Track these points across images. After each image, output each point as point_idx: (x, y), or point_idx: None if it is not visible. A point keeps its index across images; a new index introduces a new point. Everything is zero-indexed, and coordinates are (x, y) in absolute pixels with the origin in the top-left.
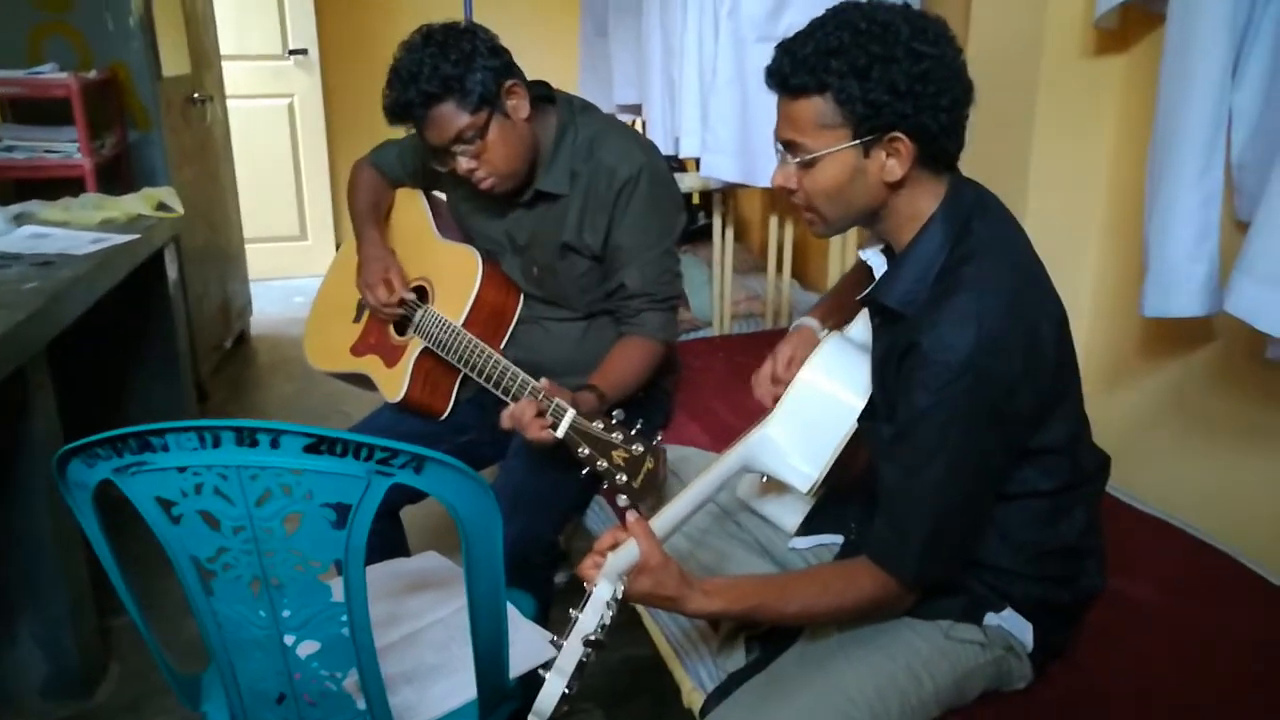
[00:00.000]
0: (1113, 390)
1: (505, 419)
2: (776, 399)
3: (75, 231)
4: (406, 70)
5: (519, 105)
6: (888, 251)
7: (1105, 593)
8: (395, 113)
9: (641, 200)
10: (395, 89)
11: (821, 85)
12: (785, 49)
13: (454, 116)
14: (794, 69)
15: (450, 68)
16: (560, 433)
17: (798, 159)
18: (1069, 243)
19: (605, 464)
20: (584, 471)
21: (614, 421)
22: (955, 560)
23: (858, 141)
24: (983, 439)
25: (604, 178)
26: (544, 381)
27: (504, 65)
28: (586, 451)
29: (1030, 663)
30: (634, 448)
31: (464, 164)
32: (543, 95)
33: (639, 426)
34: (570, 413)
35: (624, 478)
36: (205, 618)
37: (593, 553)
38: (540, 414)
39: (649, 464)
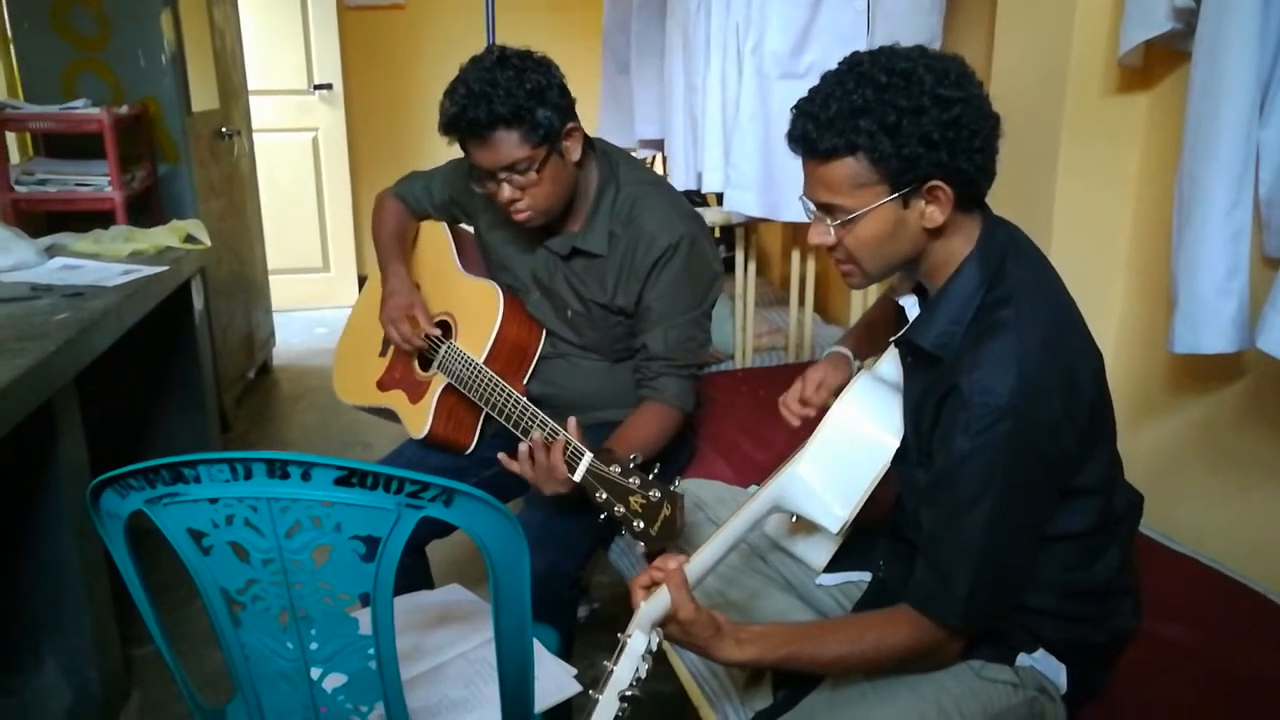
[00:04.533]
0: (1141, 428)
1: (517, 458)
2: (803, 420)
3: (105, 263)
4: (479, 86)
5: (573, 148)
6: (919, 290)
7: (1140, 633)
8: (456, 126)
9: (677, 269)
10: (462, 103)
11: (852, 146)
12: (806, 113)
13: (516, 146)
14: (820, 133)
15: (524, 97)
16: (577, 476)
17: (837, 220)
18: (1094, 280)
19: (622, 509)
20: (601, 517)
21: (631, 466)
22: (1004, 604)
23: (896, 195)
24: (1027, 481)
25: (643, 245)
26: (571, 422)
27: (569, 106)
28: (603, 496)
29: (1064, 705)
30: (651, 494)
31: (508, 192)
32: (586, 141)
33: (655, 471)
34: (588, 456)
35: (641, 524)
36: (233, 649)
37: (649, 569)
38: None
39: (666, 510)
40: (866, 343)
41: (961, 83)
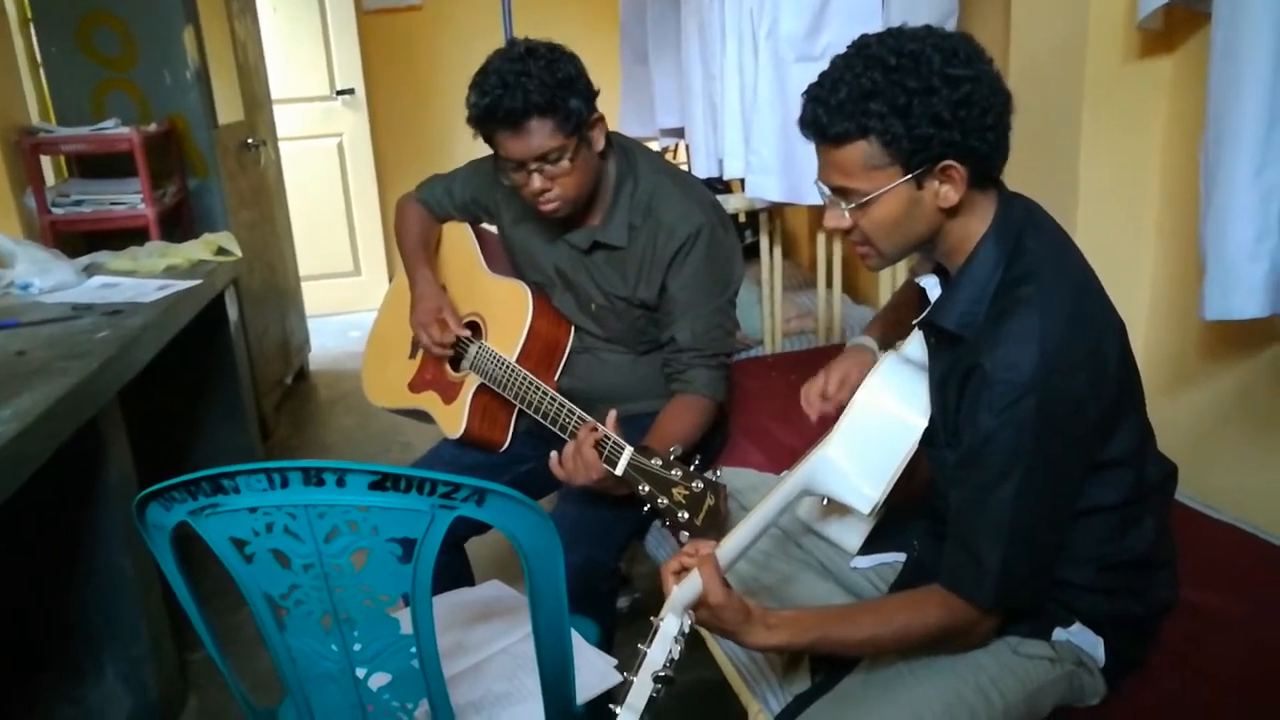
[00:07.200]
0: (1176, 396)
1: (555, 465)
2: (822, 415)
3: (142, 280)
4: (511, 77)
5: (598, 138)
6: (939, 271)
7: (1180, 604)
8: (492, 116)
9: (698, 258)
10: (496, 93)
11: (864, 129)
12: (816, 98)
13: (549, 135)
14: (831, 118)
15: (556, 86)
16: (619, 470)
17: (851, 204)
18: (1123, 248)
19: (665, 501)
20: (645, 509)
21: (672, 458)
22: (1038, 582)
23: (910, 176)
24: (1053, 457)
25: (663, 236)
26: (610, 416)
27: (594, 96)
28: (646, 489)
29: (1104, 677)
30: (694, 485)
31: (538, 183)
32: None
33: (697, 462)
34: (628, 450)
35: (685, 515)
36: (280, 653)
37: (680, 554)
38: (597, 445)
39: (710, 500)
40: (892, 329)
41: (971, 61)
